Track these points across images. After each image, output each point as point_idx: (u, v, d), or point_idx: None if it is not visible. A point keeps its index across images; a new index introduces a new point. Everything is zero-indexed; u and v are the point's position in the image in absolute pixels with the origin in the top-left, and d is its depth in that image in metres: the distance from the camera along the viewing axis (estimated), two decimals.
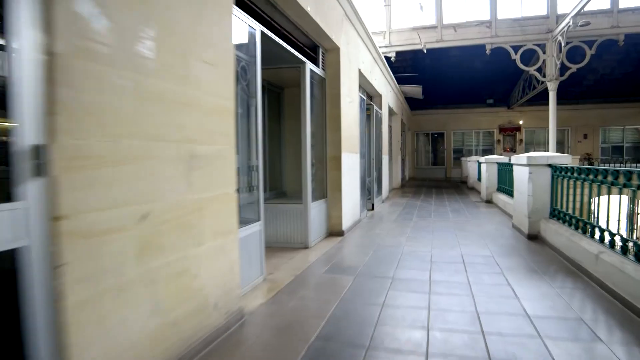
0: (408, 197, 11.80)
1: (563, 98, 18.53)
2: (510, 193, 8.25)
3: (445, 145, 22.70)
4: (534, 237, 5.51)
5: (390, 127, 14.29)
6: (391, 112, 13.82)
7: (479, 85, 20.03)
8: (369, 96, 10.25)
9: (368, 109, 8.88)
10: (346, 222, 6.22)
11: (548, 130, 21.80)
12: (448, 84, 19.89)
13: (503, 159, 9.70)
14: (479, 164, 12.19)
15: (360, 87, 8.54)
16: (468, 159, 16.13)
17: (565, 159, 5.34)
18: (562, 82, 13.89)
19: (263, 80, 4.61)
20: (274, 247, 5.22)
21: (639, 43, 15.24)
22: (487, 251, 4.89)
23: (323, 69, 5.87)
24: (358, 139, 7.17)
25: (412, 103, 20.26)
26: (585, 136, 21.07)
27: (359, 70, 7.39)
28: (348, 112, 6.40)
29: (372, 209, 8.92)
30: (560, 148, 21.08)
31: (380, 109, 10.30)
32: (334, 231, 6.01)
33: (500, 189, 9.40)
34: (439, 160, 23.03)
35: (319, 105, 5.93)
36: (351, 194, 6.59)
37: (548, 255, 4.70)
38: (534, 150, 21.38)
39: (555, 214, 5.23)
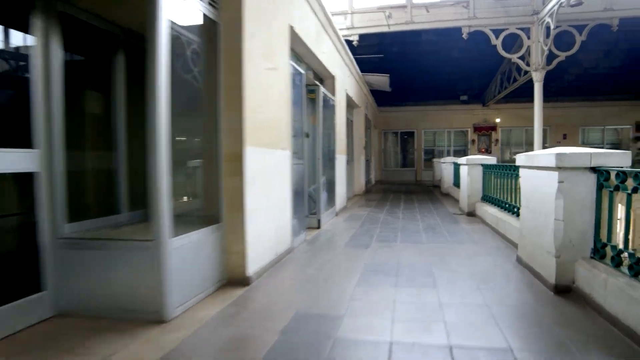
0: (371, 206, 9.51)
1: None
2: (502, 205, 6.05)
3: (416, 146, 20.66)
4: (564, 289, 3.26)
5: (350, 121, 11.99)
6: (351, 104, 11.53)
7: (453, 79, 18.05)
8: (319, 78, 7.91)
9: (312, 92, 6.52)
10: (257, 261, 3.81)
11: (526, 130, 20.24)
12: (419, 76, 17.81)
13: (489, 159, 7.54)
14: (457, 166, 10.02)
15: (297, 57, 6.18)
16: (442, 160, 14.03)
17: (621, 158, 3.11)
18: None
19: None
20: (104, 319, 2.75)
21: (632, 31, 13.50)
22: (494, 327, 2.58)
23: (212, 5, 3.45)
24: (286, 128, 4.79)
25: (379, 98, 18.09)
26: (564, 136, 19.46)
27: (291, 28, 5.01)
28: (264, 84, 4.01)
29: (319, 226, 6.56)
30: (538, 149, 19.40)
31: (333, 95, 7.97)
32: (234, 278, 3.59)
33: (486, 199, 7.21)
34: (409, 162, 20.98)
35: (210, 68, 3.51)
36: (269, 213, 4.19)
37: (599, 330, 2.45)
38: (511, 152, 19.62)
39: (603, 251, 3.01)
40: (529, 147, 19.86)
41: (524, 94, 17.31)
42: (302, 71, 5.49)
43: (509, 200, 5.75)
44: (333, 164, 7.86)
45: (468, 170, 7.71)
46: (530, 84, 14.37)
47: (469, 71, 17.13)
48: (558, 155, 3.18)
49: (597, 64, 16.61)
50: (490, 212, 6.42)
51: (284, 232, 4.67)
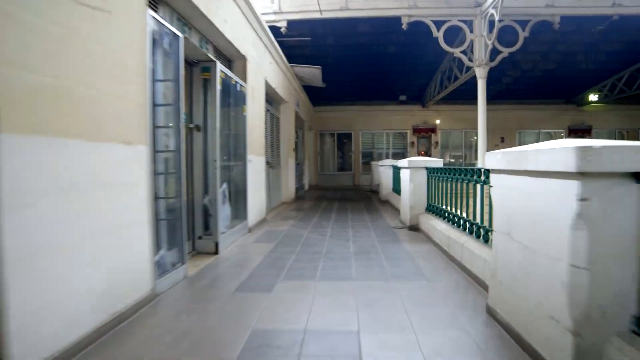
0: (296, 218, 7.88)
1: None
2: (456, 221, 4.66)
3: (353, 148, 19.39)
4: None
5: (276, 118, 10.32)
6: (276, 97, 9.86)
7: (392, 77, 16.95)
8: (225, 58, 6.16)
9: (206, 70, 4.78)
10: (45, 340, 2.01)
11: (465, 132, 19.68)
12: (356, 73, 16.53)
13: (435, 161, 6.18)
14: (397, 170, 8.66)
15: (179, 17, 4.41)
16: (380, 163, 12.73)
17: None
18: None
19: None
20: None
21: (569, 32, 13.03)
22: None
23: None
24: (139, 112, 3.01)
25: (314, 96, 16.60)
26: (502, 139, 19.06)
27: None
28: (76, 31, 2.23)
29: (216, 251, 4.81)
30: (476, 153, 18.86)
31: (245, 80, 6.26)
32: None
33: (433, 210, 5.83)
34: (347, 165, 19.65)
35: None
36: (85, 252, 2.39)
37: None
38: (450, 155, 18.93)
39: None
40: (468, 150, 19.30)
41: (464, 95, 16.62)
42: (179, 33, 3.73)
43: (466, 215, 4.34)
44: (243, 168, 6.14)
45: (410, 175, 6.31)
46: (470, 85, 13.55)
47: (408, 69, 16.08)
48: (581, 150, 1.71)
49: (534, 66, 16.22)
50: (439, 227, 5.01)
51: (131, 278, 2.89)
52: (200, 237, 4.89)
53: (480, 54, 10.88)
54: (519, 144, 19.54)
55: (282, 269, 4.15)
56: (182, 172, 3.81)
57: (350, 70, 16.16)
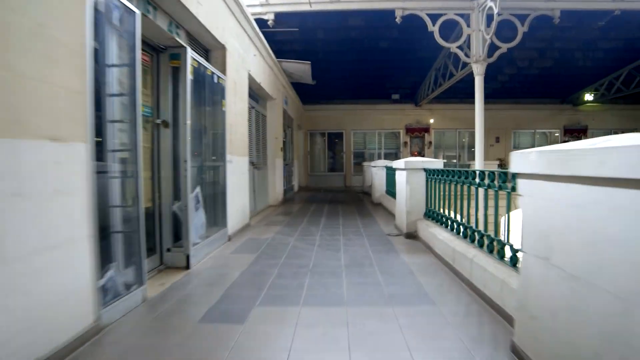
0: (283, 223, 7.27)
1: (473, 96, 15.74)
2: (462, 231, 4.09)
3: (345, 148, 18.81)
4: None
5: (263, 116, 9.70)
6: (261, 94, 9.24)
7: (385, 74, 16.41)
8: (202, 47, 5.54)
9: (175, 57, 4.16)
10: None
11: (459, 132, 19.19)
12: (347, 71, 15.96)
13: (434, 162, 5.62)
14: (392, 171, 8.10)
15: (148, 0, 3.77)
16: (372, 164, 12.15)
17: None
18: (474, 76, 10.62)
19: None
20: None
21: (569, 27, 12.59)
22: None
23: None
24: (76, 101, 2.38)
25: (304, 94, 16.00)
26: (497, 139, 18.62)
27: None
28: None
29: (187, 266, 4.19)
30: (471, 154, 18.39)
31: (224, 73, 5.64)
32: None
33: (434, 217, 5.25)
34: (338, 166, 19.06)
35: None
36: None
37: None
38: (443, 156, 18.45)
39: None
40: (462, 150, 18.84)
41: (459, 93, 16.14)
42: (134, 8, 3.10)
43: (475, 224, 3.76)
44: (222, 170, 5.52)
45: (407, 177, 5.73)
46: (465, 83, 13.05)
47: (401, 66, 15.55)
48: None
49: (531, 64, 15.79)
50: (441, 236, 4.44)
51: (63, 310, 2.27)
52: (169, 250, 4.26)
53: (478, 49, 10.38)
54: (514, 144, 19.14)
55: (261, 288, 3.54)
56: (140, 174, 3.18)
57: (342, 67, 15.59)
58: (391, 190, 8.33)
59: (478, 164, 10.31)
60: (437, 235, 4.60)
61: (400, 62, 15.26)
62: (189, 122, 4.17)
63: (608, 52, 14.51)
